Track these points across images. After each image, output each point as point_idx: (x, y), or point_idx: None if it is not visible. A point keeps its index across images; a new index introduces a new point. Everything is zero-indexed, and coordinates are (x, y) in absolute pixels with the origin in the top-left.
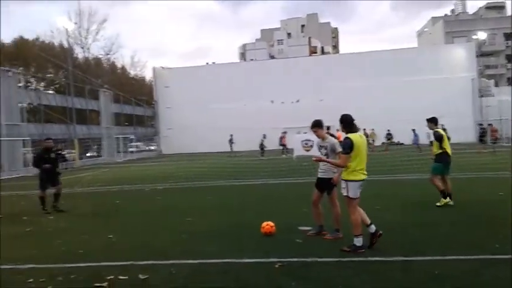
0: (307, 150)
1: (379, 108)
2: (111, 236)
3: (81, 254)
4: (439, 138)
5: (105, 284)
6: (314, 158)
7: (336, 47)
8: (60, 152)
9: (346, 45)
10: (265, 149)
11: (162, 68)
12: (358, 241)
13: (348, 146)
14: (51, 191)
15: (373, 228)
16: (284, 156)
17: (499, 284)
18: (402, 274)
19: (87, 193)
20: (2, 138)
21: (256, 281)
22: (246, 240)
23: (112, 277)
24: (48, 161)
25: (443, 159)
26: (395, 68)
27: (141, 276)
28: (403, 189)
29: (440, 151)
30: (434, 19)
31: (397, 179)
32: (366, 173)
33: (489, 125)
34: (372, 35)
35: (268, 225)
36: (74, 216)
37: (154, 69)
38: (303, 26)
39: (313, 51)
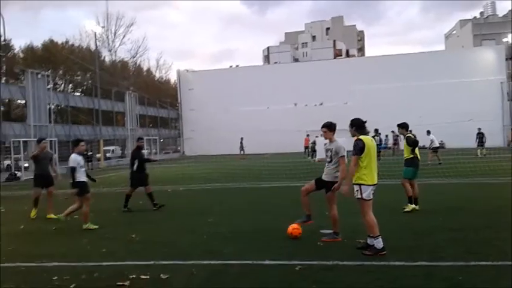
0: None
1: (405, 111)
2: (134, 236)
3: (104, 253)
4: (414, 143)
5: (127, 283)
6: (335, 186)
7: (361, 50)
8: (86, 153)
9: (373, 48)
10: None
11: (187, 70)
12: (378, 242)
13: (359, 148)
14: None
15: (372, 241)
16: (309, 158)
17: None
18: (424, 279)
19: (111, 193)
20: (30, 139)
21: (277, 283)
22: (267, 242)
23: (134, 276)
24: (142, 161)
25: (414, 163)
26: (422, 71)
27: (162, 276)
28: (427, 193)
29: (412, 156)
30: (463, 22)
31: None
32: (376, 176)
33: None
34: (400, 37)
35: (297, 228)
36: (99, 216)
37: (178, 71)
38: (327, 29)
39: (338, 54)
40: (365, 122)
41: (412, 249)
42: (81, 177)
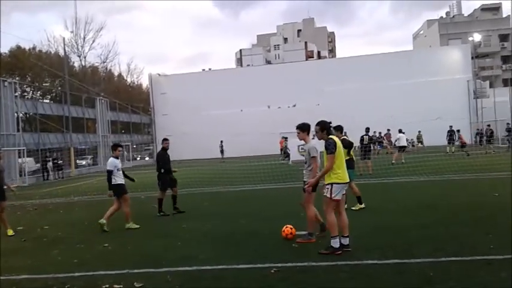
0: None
1: (375, 111)
2: (106, 245)
3: (76, 263)
4: (350, 145)
5: None
6: (306, 186)
7: (332, 51)
8: (56, 160)
9: (344, 49)
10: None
11: (159, 74)
12: (335, 242)
13: (333, 146)
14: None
15: (346, 241)
16: (282, 161)
17: (493, 286)
18: (397, 277)
19: (83, 202)
20: None
21: (252, 286)
22: (242, 245)
23: (107, 286)
24: (168, 162)
25: (351, 165)
26: (391, 71)
27: (136, 285)
28: (398, 191)
29: (348, 157)
30: (430, 21)
31: (388, 182)
32: (347, 175)
33: (488, 125)
34: (370, 38)
35: (291, 229)
36: (70, 225)
37: (150, 76)
38: (299, 30)
39: (309, 56)
40: (330, 122)
41: (385, 247)
42: (118, 179)
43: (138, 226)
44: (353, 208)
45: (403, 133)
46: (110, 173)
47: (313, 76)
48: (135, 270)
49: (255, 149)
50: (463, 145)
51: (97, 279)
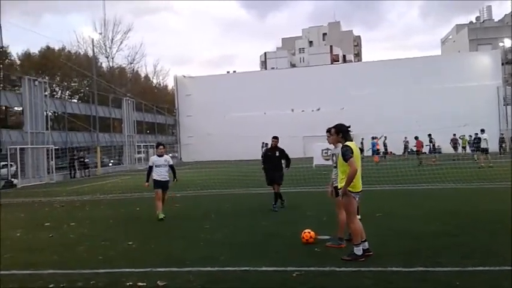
0: (327, 159)
1: (401, 116)
2: (131, 243)
3: (101, 260)
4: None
5: None
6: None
7: (358, 55)
8: (82, 159)
9: (370, 53)
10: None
11: (184, 76)
12: (358, 250)
13: (350, 153)
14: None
15: (366, 245)
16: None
17: None
18: (421, 285)
19: (108, 200)
20: (27, 146)
21: None
22: (264, 248)
23: (131, 283)
24: (272, 160)
25: None
26: (418, 76)
27: (159, 283)
28: (423, 198)
29: None
30: (459, 26)
31: (413, 189)
32: (361, 183)
33: None
34: (397, 42)
35: (309, 234)
36: (95, 223)
37: (176, 77)
38: (324, 34)
39: (334, 60)
40: (349, 127)
41: (409, 255)
42: (154, 175)
43: (163, 215)
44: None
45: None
46: (149, 168)
47: (338, 80)
48: (158, 269)
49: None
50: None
51: (121, 277)
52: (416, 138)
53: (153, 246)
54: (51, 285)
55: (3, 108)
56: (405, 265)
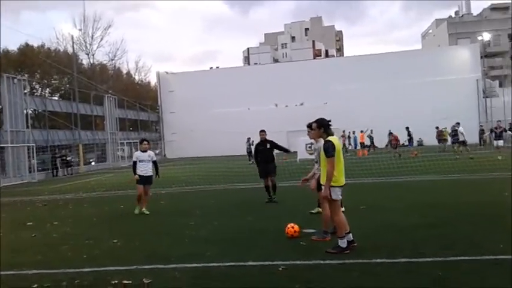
0: (311, 154)
1: (383, 110)
2: (115, 241)
3: (85, 259)
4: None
5: None
6: (298, 184)
7: (340, 50)
8: (64, 157)
9: (352, 48)
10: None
11: (166, 72)
12: (343, 242)
13: (332, 149)
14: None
15: (350, 237)
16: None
17: (502, 285)
18: (405, 276)
19: (91, 198)
20: (7, 145)
21: (260, 284)
22: (249, 243)
23: (116, 281)
24: (263, 152)
25: None
26: (400, 71)
27: (145, 280)
28: (403, 190)
29: None
30: (439, 21)
31: (398, 181)
32: (344, 177)
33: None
34: (378, 37)
35: (293, 228)
36: (80, 221)
37: (158, 73)
38: (307, 29)
39: (317, 55)
40: (329, 121)
41: (392, 247)
42: (138, 170)
43: (136, 212)
44: (312, 211)
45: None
46: (133, 163)
47: (321, 75)
48: (144, 266)
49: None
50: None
51: (106, 275)
52: (390, 133)
53: (137, 244)
54: (34, 286)
55: None
56: (389, 257)
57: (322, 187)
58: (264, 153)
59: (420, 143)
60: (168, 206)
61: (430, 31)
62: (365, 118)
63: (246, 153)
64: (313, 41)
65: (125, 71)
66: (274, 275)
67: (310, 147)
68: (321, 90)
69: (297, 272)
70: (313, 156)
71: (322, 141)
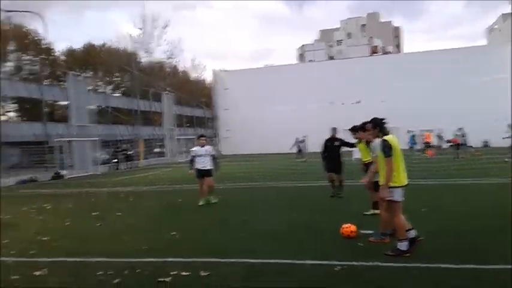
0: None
1: (444, 109)
2: (174, 233)
3: (145, 249)
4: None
5: (168, 279)
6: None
7: (398, 47)
8: (125, 151)
9: (411, 44)
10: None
11: (221, 70)
12: (402, 245)
13: (389, 148)
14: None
15: (412, 233)
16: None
17: None
18: (472, 282)
19: (151, 191)
20: (73, 139)
21: (315, 283)
22: (306, 241)
23: (175, 273)
24: (331, 149)
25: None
26: (463, 67)
27: (202, 273)
28: (470, 193)
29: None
30: (505, 16)
31: (463, 183)
32: (405, 177)
33: None
34: (440, 32)
35: (349, 228)
36: (140, 213)
37: (213, 71)
38: (363, 25)
39: (374, 51)
40: (383, 119)
41: (455, 251)
42: (197, 165)
43: (215, 201)
44: (366, 213)
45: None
46: (191, 158)
47: (378, 72)
48: (201, 259)
49: (317, 145)
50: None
51: (165, 266)
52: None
53: (195, 237)
54: (99, 273)
55: (50, 102)
56: (453, 262)
57: (381, 187)
58: (332, 149)
59: (486, 144)
60: (225, 202)
61: (496, 26)
62: (426, 117)
63: (296, 151)
64: (370, 38)
65: (181, 69)
66: (330, 274)
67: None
68: (378, 88)
69: (354, 272)
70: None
71: (378, 140)
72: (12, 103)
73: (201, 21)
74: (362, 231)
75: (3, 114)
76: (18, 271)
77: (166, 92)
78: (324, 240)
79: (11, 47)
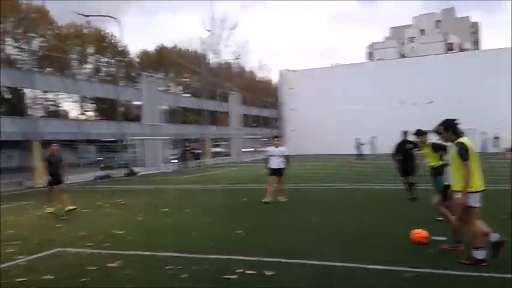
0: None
1: None
2: (240, 231)
3: (212, 246)
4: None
5: (233, 277)
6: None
7: (476, 43)
8: (194, 151)
9: (490, 41)
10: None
11: (288, 70)
12: (479, 254)
13: (465, 151)
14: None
15: (496, 236)
16: None
17: None
18: None
19: (218, 189)
20: (145, 137)
21: None
22: (373, 245)
23: (241, 271)
24: (404, 152)
25: (441, 172)
26: None
27: (267, 273)
28: None
29: (440, 163)
30: None
31: None
32: (482, 181)
33: None
34: None
35: (419, 234)
36: (207, 210)
37: (279, 71)
38: (438, 21)
39: (449, 48)
40: (454, 120)
41: None
42: (271, 164)
43: (285, 200)
44: (439, 218)
45: None
46: (266, 157)
47: (454, 70)
48: (266, 259)
49: (386, 147)
50: None
51: (231, 264)
52: None
53: (261, 236)
54: (168, 267)
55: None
56: None
57: (455, 193)
58: (405, 152)
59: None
60: (291, 202)
61: None
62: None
63: (358, 152)
64: (445, 34)
65: (248, 69)
66: (400, 281)
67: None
68: (453, 87)
69: (425, 280)
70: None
71: (452, 143)
72: (91, 103)
73: (269, 20)
74: (434, 238)
75: (83, 114)
76: (93, 262)
77: (233, 92)
78: (392, 244)
79: (91, 49)
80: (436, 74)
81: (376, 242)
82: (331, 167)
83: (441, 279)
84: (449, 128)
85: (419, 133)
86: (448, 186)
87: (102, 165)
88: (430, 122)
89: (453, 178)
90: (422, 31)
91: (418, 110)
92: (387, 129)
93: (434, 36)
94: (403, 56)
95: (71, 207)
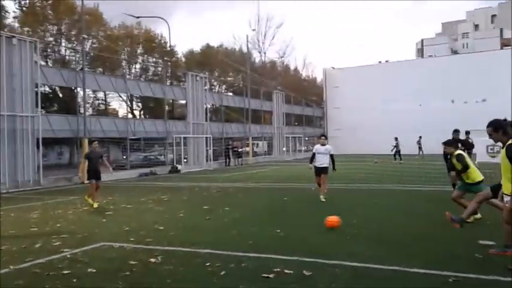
0: (492, 157)
1: None
2: (278, 231)
3: (251, 244)
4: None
5: (271, 276)
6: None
7: None
8: (236, 149)
9: None
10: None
11: (333, 68)
12: None
13: None
14: None
15: None
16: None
17: None
18: None
19: (259, 188)
20: (190, 135)
21: None
22: (414, 248)
23: (278, 270)
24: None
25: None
26: None
27: (305, 273)
28: None
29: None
30: None
31: None
32: None
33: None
34: None
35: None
36: (247, 209)
37: (324, 69)
38: (493, 16)
39: (505, 44)
40: (505, 120)
41: None
42: (316, 162)
43: (324, 200)
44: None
45: None
46: (312, 155)
47: (510, 67)
48: (304, 259)
49: (435, 148)
50: None
51: (269, 262)
52: None
53: (299, 236)
54: (207, 264)
55: (171, 101)
56: None
57: (505, 196)
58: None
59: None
60: (331, 202)
61: None
62: None
63: (398, 152)
64: (501, 29)
65: (292, 68)
66: (443, 286)
67: (492, 149)
68: (508, 85)
69: (470, 286)
70: (496, 160)
71: (501, 144)
72: (138, 102)
73: (313, 17)
74: (482, 242)
75: (131, 112)
76: (136, 257)
77: (277, 90)
78: (435, 248)
79: (140, 50)
80: (490, 70)
81: (418, 245)
82: (374, 166)
83: (486, 285)
84: (498, 128)
85: (448, 143)
86: (500, 186)
87: (147, 162)
88: (480, 122)
89: (503, 181)
90: (476, 26)
91: (469, 108)
92: (437, 128)
93: (490, 32)
94: (455, 52)
95: (95, 205)
